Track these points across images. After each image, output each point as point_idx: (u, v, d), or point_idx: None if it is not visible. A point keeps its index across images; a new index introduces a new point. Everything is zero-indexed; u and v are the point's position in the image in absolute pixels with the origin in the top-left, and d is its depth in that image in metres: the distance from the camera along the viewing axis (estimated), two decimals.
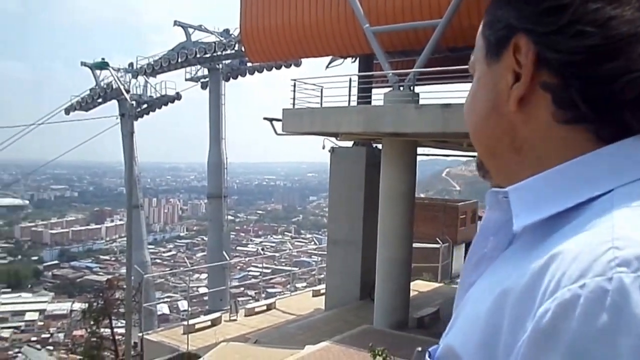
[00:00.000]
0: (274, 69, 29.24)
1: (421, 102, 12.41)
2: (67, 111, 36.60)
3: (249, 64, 30.29)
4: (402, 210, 13.18)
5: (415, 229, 14.24)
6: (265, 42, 15.49)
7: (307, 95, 13.86)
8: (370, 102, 14.38)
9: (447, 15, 11.97)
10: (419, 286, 18.07)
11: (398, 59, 14.48)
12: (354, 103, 13.95)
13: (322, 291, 17.33)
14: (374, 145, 15.86)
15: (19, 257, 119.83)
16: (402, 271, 13.39)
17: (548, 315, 0.47)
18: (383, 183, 13.24)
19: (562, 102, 0.59)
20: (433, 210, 24.60)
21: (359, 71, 15.79)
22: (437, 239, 21.10)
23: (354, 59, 16.69)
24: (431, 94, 14.10)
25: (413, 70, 12.44)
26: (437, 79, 13.11)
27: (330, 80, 14.12)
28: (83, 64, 34.19)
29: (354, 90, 14.08)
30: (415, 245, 14.77)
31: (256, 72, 31.68)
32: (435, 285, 19.50)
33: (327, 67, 17.31)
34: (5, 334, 77.80)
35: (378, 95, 14.06)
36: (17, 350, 62.38)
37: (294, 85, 13.66)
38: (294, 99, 13.63)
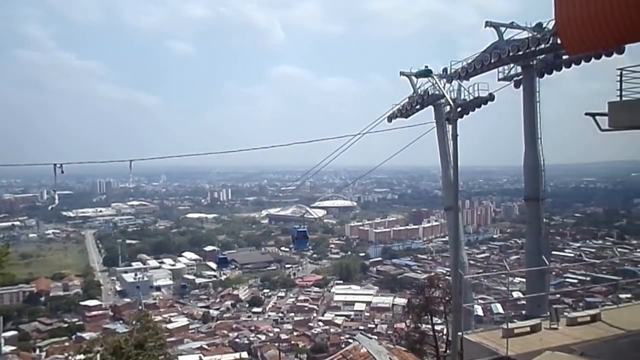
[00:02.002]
0: (592, 59, 26.54)
1: None
2: (390, 119, 39.93)
3: (565, 57, 28.16)
4: None
5: None
6: (585, 30, 14.22)
7: (635, 84, 12.26)
8: None
9: None
10: None
11: None
12: None
13: None
14: None
15: (349, 252, 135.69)
16: None
17: None
18: None
19: None
20: None
21: None
22: None
23: None
24: None
25: None
26: None
27: None
28: (402, 73, 36.81)
29: None
30: None
31: (573, 65, 29.20)
32: None
33: None
34: (338, 320, 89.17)
35: None
36: (347, 335, 70.73)
37: (620, 75, 12.24)
38: (620, 89, 12.21)
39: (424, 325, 23.94)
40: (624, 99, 12.24)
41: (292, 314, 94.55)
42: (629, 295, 23.59)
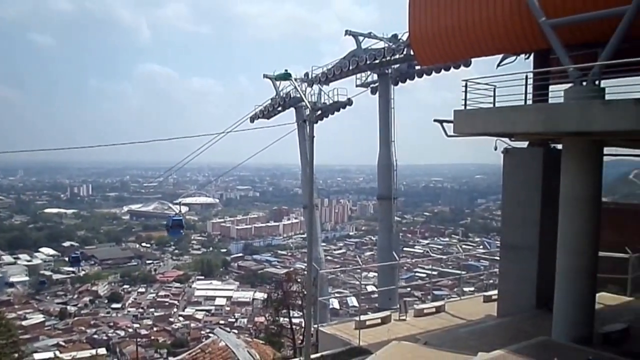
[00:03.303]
0: (442, 70, 28.96)
1: (608, 97, 11.43)
2: (252, 119, 40.15)
3: (417, 68, 30.32)
4: (585, 215, 12.28)
5: (600, 237, 13.08)
6: (435, 44, 15.43)
7: (478, 95, 13.52)
8: (547, 100, 13.58)
9: (636, 1, 10.86)
10: (604, 299, 16.56)
11: (578, 52, 13.47)
12: (529, 102, 13.29)
13: (494, 297, 16.78)
14: (552, 145, 14.92)
15: (210, 248, 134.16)
16: (586, 281, 12.46)
17: None
18: (564, 186, 12.43)
19: None
20: (620, 216, 22.11)
21: (534, 67, 14.97)
22: (626, 248, 19.04)
23: (527, 55, 15.86)
24: (619, 88, 12.89)
25: (598, 63, 11.48)
26: (626, 71, 11.92)
27: (503, 78, 13.58)
28: (265, 76, 37.18)
29: (529, 89, 13.39)
30: (600, 254, 13.57)
31: (425, 75, 31.59)
32: (624, 299, 17.68)
33: (498, 65, 16.67)
34: (199, 315, 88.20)
35: (555, 93, 13.21)
36: (208, 330, 70.09)
37: (465, 86, 13.40)
38: (465, 99, 13.38)
39: (282, 319, 24.41)
40: (468, 107, 13.41)
41: (152, 310, 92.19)
42: (472, 288, 26.11)
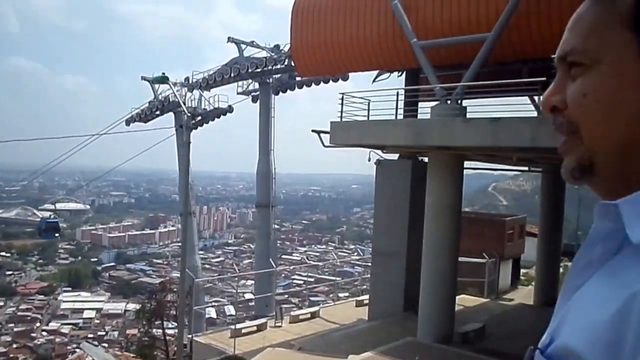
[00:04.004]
0: (322, 83, 29.80)
1: (469, 115, 12.46)
2: (128, 122, 38.37)
3: (298, 79, 30.92)
4: (448, 223, 13.21)
5: (460, 244, 14.23)
6: (314, 57, 15.89)
7: (354, 108, 14.14)
8: (416, 116, 14.54)
9: (496, 30, 12.03)
10: (464, 301, 17.93)
11: (445, 72, 14.62)
12: (400, 117, 14.13)
13: (366, 301, 17.43)
14: (420, 158, 15.96)
15: (80, 258, 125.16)
16: (447, 284, 13.37)
17: None
18: (429, 196, 13.33)
19: None
20: (479, 225, 24.24)
21: (406, 85, 15.93)
22: (484, 254, 20.86)
23: (400, 73, 16.87)
24: (479, 107, 14.14)
25: (461, 84, 12.52)
26: (485, 92, 13.14)
27: (377, 94, 14.37)
28: (143, 78, 35.78)
29: (400, 104, 14.25)
30: (460, 259, 14.73)
31: (305, 86, 32.28)
32: (481, 300, 19.27)
33: (373, 81, 17.54)
34: (65, 329, 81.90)
35: (424, 109, 14.19)
36: (75, 345, 65.35)
37: (342, 99, 13.95)
38: (341, 112, 13.92)
39: (155, 330, 23.47)
40: (344, 120, 13.96)
41: (12, 325, 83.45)
42: (346, 294, 26.91)
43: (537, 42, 12.06)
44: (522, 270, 28.06)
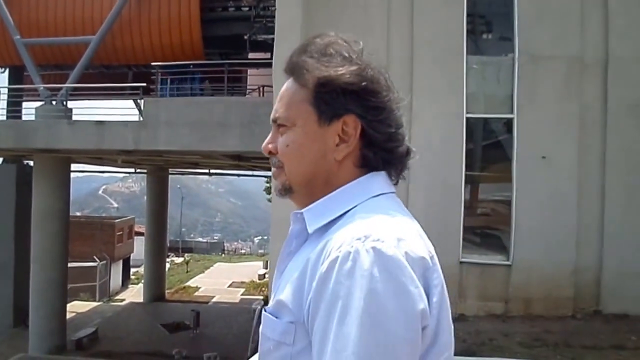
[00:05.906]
0: None
1: (75, 117, 12.24)
2: None
3: None
4: (55, 229, 12.75)
5: (71, 249, 13.91)
6: None
7: None
8: (21, 117, 13.53)
9: (99, 33, 12.31)
10: (76, 307, 17.52)
11: (52, 72, 14.02)
12: (3, 117, 13.00)
13: None
14: (26, 162, 14.86)
15: None
16: (58, 293, 12.95)
17: (325, 267, 0.83)
18: (35, 201, 12.63)
19: (367, 159, 0.99)
20: (89, 229, 23.82)
21: (9, 83, 14.68)
22: (95, 257, 20.75)
23: (3, 69, 15.39)
24: (86, 109, 14.07)
25: (65, 85, 12.26)
26: (91, 95, 13.20)
27: None
28: None
29: (3, 104, 13.09)
30: (71, 265, 14.38)
31: None
32: (94, 304, 19.16)
33: None
34: None
35: (30, 110, 13.31)
36: None
37: None
38: None
39: None
40: None
41: None
42: None
43: (139, 49, 12.89)
44: (133, 270, 28.92)
